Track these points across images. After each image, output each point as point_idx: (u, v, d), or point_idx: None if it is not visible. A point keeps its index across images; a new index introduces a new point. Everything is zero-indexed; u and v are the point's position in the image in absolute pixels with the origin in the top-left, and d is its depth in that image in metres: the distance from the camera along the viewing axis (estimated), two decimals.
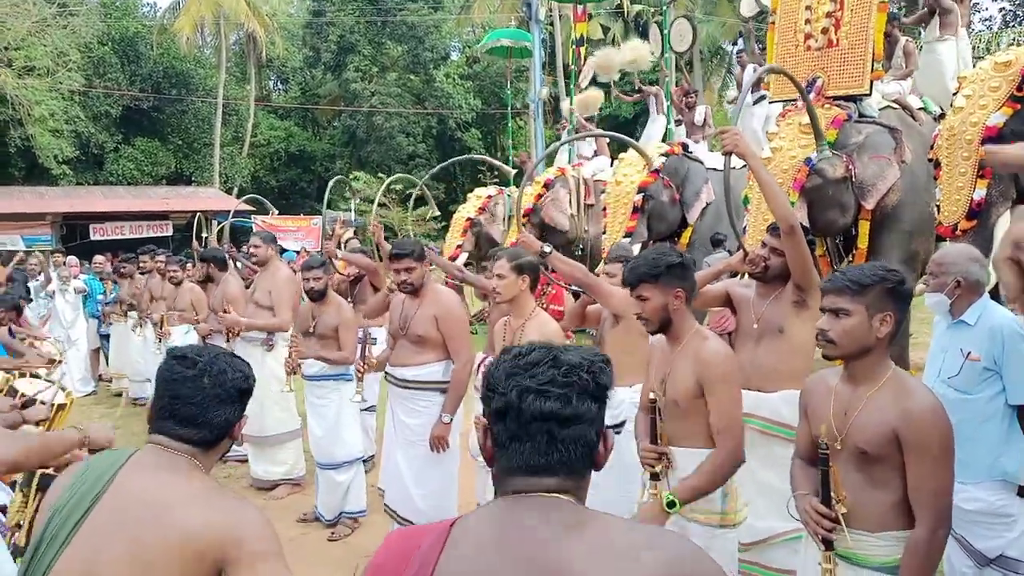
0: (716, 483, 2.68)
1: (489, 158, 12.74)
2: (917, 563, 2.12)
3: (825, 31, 6.03)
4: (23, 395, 3.74)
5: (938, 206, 5.60)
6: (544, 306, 5.73)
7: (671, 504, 2.62)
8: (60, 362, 5.79)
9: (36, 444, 2.27)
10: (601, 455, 1.27)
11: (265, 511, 5.25)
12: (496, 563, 1.15)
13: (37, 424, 3.40)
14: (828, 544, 2.26)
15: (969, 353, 3.03)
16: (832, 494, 2.26)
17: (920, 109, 6.93)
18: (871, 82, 5.87)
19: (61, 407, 3.72)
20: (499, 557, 1.16)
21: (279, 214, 27.66)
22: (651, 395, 2.88)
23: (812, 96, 5.86)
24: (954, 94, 5.64)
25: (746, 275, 3.83)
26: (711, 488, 2.68)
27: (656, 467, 2.79)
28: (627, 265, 2.95)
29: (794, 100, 6.10)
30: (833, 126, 5.92)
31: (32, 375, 4.33)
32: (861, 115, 6.03)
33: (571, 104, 12.18)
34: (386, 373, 4.47)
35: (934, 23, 7.65)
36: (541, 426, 1.21)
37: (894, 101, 6.67)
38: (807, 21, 6.13)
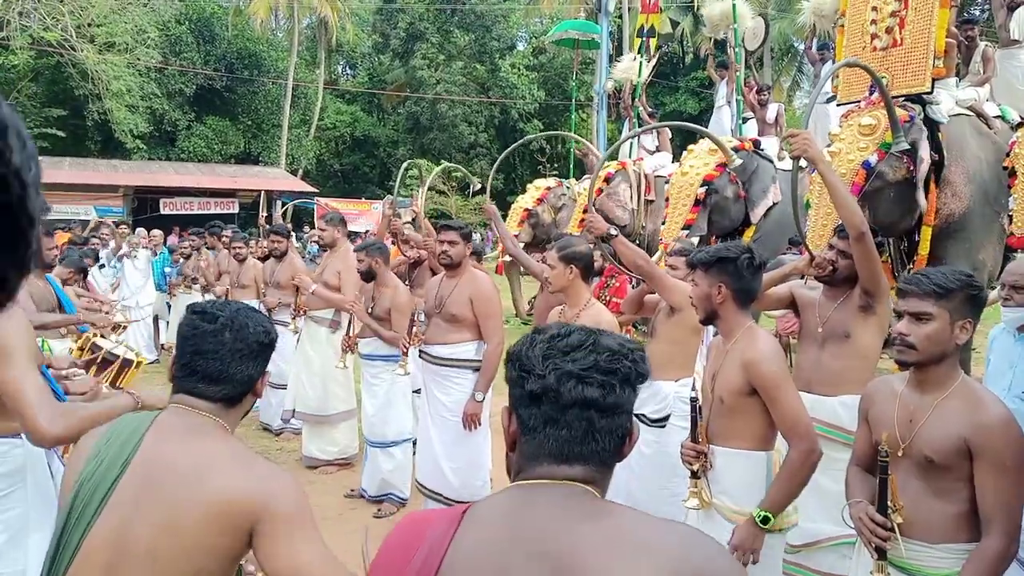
0: (798, 484, 2.62)
1: (582, 139, 12.39)
2: (982, 573, 2.05)
3: (889, 30, 5.94)
4: (103, 351, 3.97)
5: (1010, 216, 5.43)
6: (607, 299, 5.72)
7: (765, 520, 2.56)
8: (124, 327, 6.01)
9: (93, 412, 2.30)
10: (627, 446, 1.23)
11: (314, 484, 5.36)
12: (508, 553, 1.11)
13: (103, 379, 3.59)
14: (881, 553, 2.21)
15: None
16: (889, 503, 2.21)
17: (997, 117, 6.69)
18: (932, 80, 5.74)
19: (129, 363, 3.95)
20: (512, 547, 1.12)
21: (341, 197, 28.24)
22: (692, 393, 2.90)
23: (875, 96, 5.75)
24: None
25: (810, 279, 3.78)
26: (796, 490, 2.62)
27: (695, 465, 2.79)
28: (691, 250, 3.03)
29: (858, 102, 6.01)
30: None
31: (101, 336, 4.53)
32: (927, 118, 5.87)
33: (639, 93, 11.97)
34: (420, 350, 4.66)
35: (1014, 25, 7.39)
36: (581, 413, 1.16)
37: (968, 108, 6.44)
38: (873, 21, 6.05)
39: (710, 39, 12.68)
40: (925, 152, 5.55)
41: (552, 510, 1.14)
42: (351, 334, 5.19)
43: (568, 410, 1.16)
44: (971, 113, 6.40)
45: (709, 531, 2.75)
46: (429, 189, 27.32)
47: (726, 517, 2.75)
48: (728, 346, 2.81)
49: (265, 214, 11.49)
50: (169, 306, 10.31)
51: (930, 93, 5.79)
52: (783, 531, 2.81)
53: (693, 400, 2.86)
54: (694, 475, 2.79)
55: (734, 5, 10.14)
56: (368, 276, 5.24)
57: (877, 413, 2.36)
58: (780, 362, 2.72)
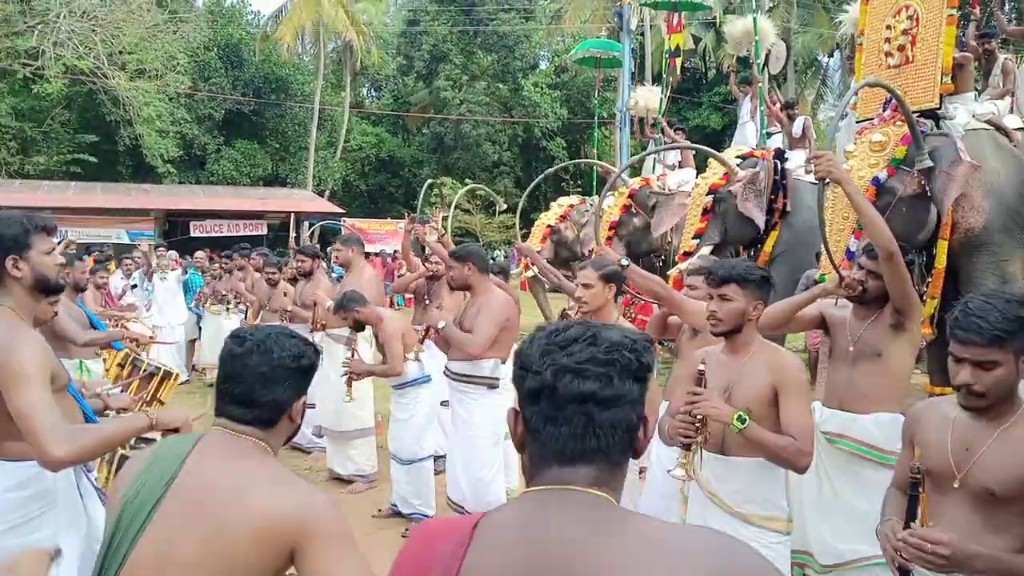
0: (775, 453, 2.67)
1: (598, 162, 12.55)
2: None
3: (902, 48, 6.07)
4: (144, 364, 4.09)
5: None
6: (632, 317, 5.73)
7: (741, 419, 2.63)
8: (152, 338, 6.13)
9: (107, 433, 2.34)
10: (642, 441, 1.18)
11: (341, 504, 5.40)
12: (523, 567, 1.07)
13: (139, 392, 3.67)
14: (904, 573, 2.12)
15: None
16: (916, 522, 2.09)
17: (1018, 130, 6.63)
18: (941, 97, 5.84)
19: (169, 375, 4.08)
20: (527, 560, 1.08)
21: (367, 217, 28.48)
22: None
23: (888, 113, 5.90)
24: None
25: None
26: (769, 449, 2.66)
27: (695, 436, 2.71)
28: (718, 265, 3.01)
29: (872, 119, 6.09)
30: (903, 143, 5.82)
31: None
32: (940, 133, 5.89)
33: (660, 113, 12.06)
34: (445, 367, 4.82)
35: None
36: (578, 408, 1.12)
37: (986, 121, 6.41)
38: (887, 40, 6.15)
39: (733, 56, 12.69)
40: (965, 154, 5.56)
41: (570, 524, 1.09)
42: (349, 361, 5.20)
43: (566, 406, 1.12)
44: (990, 127, 6.37)
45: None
46: (454, 208, 27.53)
47: (756, 524, 2.78)
48: (744, 360, 2.85)
49: (294, 235, 11.66)
50: (200, 328, 10.45)
51: (939, 108, 5.85)
52: (784, 534, 2.84)
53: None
54: (686, 447, 2.73)
55: (755, 19, 10.16)
56: (358, 327, 5.29)
57: (927, 438, 2.23)
58: (804, 373, 2.83)
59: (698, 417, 2.68)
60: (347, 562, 1.62)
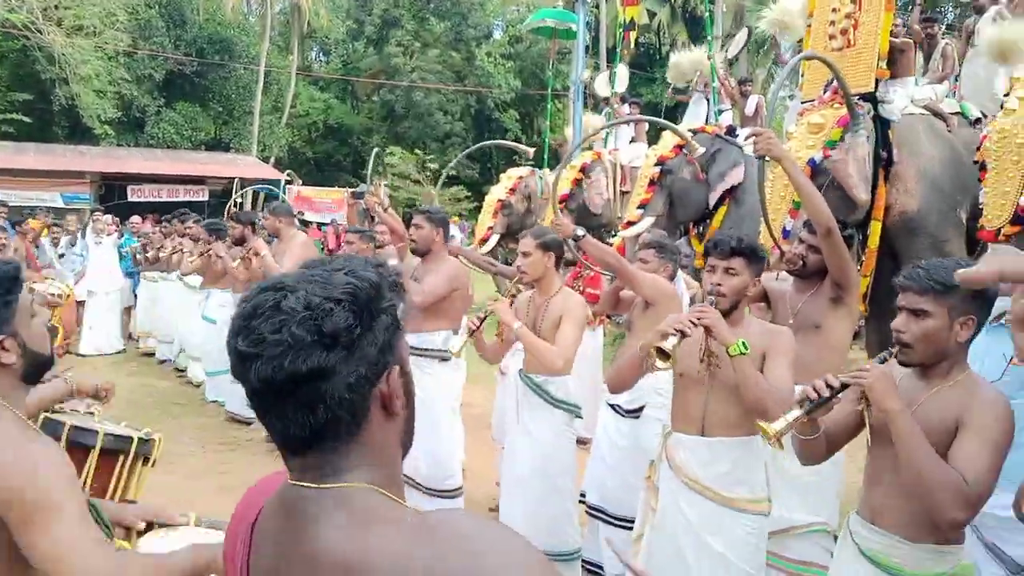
0: (757, 397, 2.62)
1: (511, 143, 12.75)
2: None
3: (844, 32, 6.17)
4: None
5: (981, 209, 5.50)
6: (580, 289, 5.73)
7: (745, 345, 2.63)
8: (68, 296, 5.98)
9: (34, 401, 2.16)
10: (386, 396, 1.04)
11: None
12: (276, 572, 1.03)
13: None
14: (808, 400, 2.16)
15: (1012, 358, 2.95)
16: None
17: (955, 114, 6.80)
18: (877, 81, 5.98)
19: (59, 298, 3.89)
20: (277, 566, 1.03)
21: (314, 185, 27.99)
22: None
23: (827, 95, 6.03)
24: (1005, 95, 5.52)
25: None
26: (751, 389, 2.63)
27: (691, 331, 2.63)
28: (724, 236, 2.90)
29: (813, 100, 6.20)
30: (839, 125, 5.94)
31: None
32: (877, 116, 6.01)
33: (613, 88, 12.05)
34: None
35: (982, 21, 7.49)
36: (272, 396, 0.99)
37: (924, 107, 6.57)
38: (831, 23, 6.28)
39: (686, 31, 12.75)
40: (863, 150, 5.80)
41: (307, 526, 1.00)
42: None
43: (261, 394, 0.99)
44: (927, 112, 6.53)
45: (719, 528, 2.76)
46: (403, 178, 27.26)
47: (739, 509, 2.78)
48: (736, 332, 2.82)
49: (239, 201, 11.36)
50: (135, 295, 10.16)
51: (874, 92, 5.99)
52: (766, 515, 2.85)
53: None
54: (663, 354, 2.62)
55: (712, 67, 10.15)
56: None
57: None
58: (794, 346, 2.86)
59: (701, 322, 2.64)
60: (67, 532, 1.49)
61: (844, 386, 2.13)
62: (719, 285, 2.76)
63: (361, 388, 1.00)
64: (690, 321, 2.63)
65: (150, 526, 1.99)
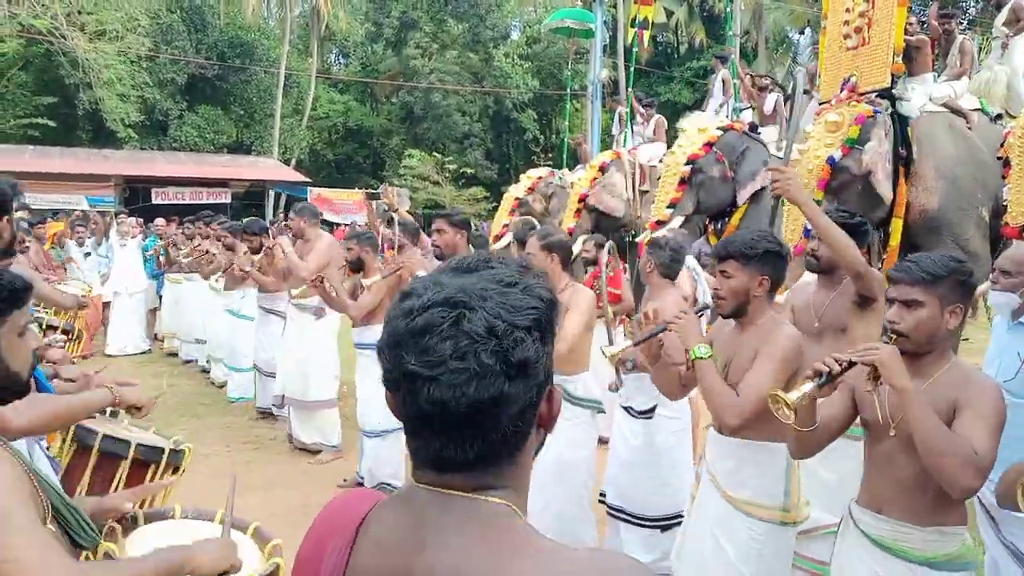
0: (707, 395, 2.75)
1: None
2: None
3: (859, 30, 6.18)
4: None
5: (1005, 206, 5.45)
6: (597, 290, 5.76)
7: (704, 352, 2.73)
8: (86, 302, 6.05)
9: (63, 407, 2.13)
10: (545, 418, 1.03)
11: (308, 475, 5.33)
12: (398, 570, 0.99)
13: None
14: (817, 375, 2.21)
15: None
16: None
17: (976, 110, 6.71)
18: (893, 77, 5.97)
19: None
20: (400, 571, 0.98)
21: (334, 187, 28.17)
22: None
23: (844, 94, 6.06)
24: None
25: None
26: (704, 390, 2.75)
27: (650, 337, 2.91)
28: (721, 240, 2.97)
29: (831, 101, 6.23)
30: (856, 123, 5.92)
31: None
32: (897, 115, 5.99)
33: (629, 87, 12.06)
34: None
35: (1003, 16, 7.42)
36: (441, 417, 0.94)
37: (943, 104, 6.50)
38: (845, 22, 6.29)
39: (704, 30, 12.68)
40: (879, 148, 5.80)
41: (448, 536, 0.97)
42: None
43: (427, 414, 0.95)
44: (945, 109, 6.47)
45: (729, 527, 2.77)
46: (423, 179, 27.38)
47: (745, 512, 2.75)
48: (744, 335, 2.81)
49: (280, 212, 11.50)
50: (160, 297, 10.28)
51: (891, 88, 5.99)
52: (796, 524, 2.83)
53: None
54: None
55: (734, 64, 10.19)
56: (356, 267, 5.32)
57: (863, 394, 2.33)
58: (795, 348, 2.72)
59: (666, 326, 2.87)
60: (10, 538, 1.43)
61: (852, 363, 2.18)
62: (717, 290, 2.81)
63: (532, 411, 0.99)
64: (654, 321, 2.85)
65: (135, 520, 1.96)
